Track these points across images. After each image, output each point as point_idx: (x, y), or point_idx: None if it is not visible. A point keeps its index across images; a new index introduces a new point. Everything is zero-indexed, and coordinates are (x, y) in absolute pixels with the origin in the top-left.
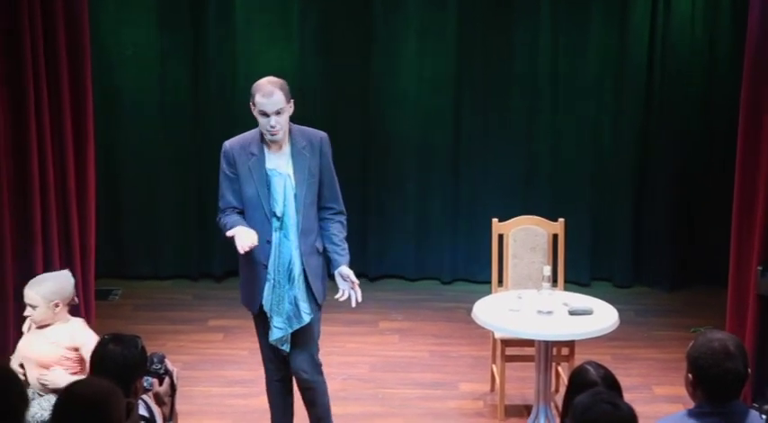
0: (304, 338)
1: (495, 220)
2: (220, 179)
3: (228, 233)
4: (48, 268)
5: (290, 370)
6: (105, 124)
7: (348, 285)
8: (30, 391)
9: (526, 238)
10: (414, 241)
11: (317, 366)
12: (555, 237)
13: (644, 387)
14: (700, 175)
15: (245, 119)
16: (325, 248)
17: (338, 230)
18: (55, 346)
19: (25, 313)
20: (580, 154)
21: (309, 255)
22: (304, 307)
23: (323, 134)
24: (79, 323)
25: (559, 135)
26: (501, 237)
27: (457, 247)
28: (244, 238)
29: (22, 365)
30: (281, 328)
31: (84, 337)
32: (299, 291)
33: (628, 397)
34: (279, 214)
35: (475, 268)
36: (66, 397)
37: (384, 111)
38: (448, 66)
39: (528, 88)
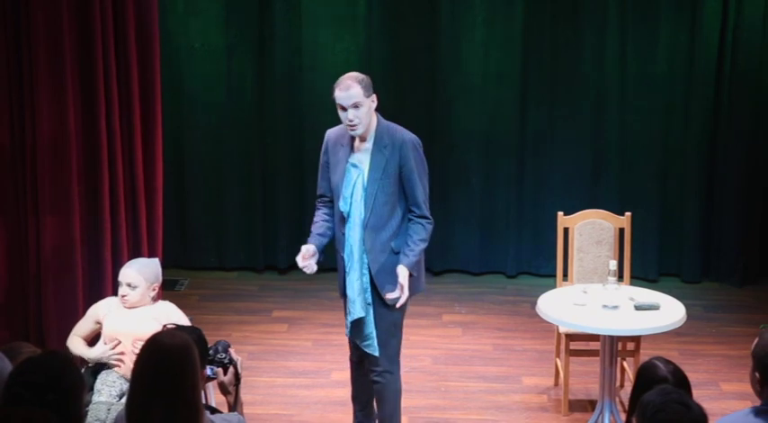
0: (378, 335)
1: (560, 214)
2: (319, 165)
3: (300, 262)
4: (116, 258)
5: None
6: (173, 117)
7: (398, 287)
8: (116, 379)
9: (592, 232)
10: (478, 235)
11: (388, 365)
12: (621, 231)
13: (711, 383)
14: None
15: (310, 111)
16: None
17: (414, 231)
18: (156, 322)
19: (121, 292)
20: (648, 148)
21: (379, 252)
22: (354, 302)
23: (409, 137)
24: (172, 305)
25: (626, 128)
26: (566, 230)
27: (522, 241)
28: (300, 256)
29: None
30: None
31: (182, 318)
32: (351, 288)
33: (695, 393)
34: (343, 208)
35: (540, 262)
36: (150, 345)
37: (450, 103)
38: (514, 58)
39: (595, 81)
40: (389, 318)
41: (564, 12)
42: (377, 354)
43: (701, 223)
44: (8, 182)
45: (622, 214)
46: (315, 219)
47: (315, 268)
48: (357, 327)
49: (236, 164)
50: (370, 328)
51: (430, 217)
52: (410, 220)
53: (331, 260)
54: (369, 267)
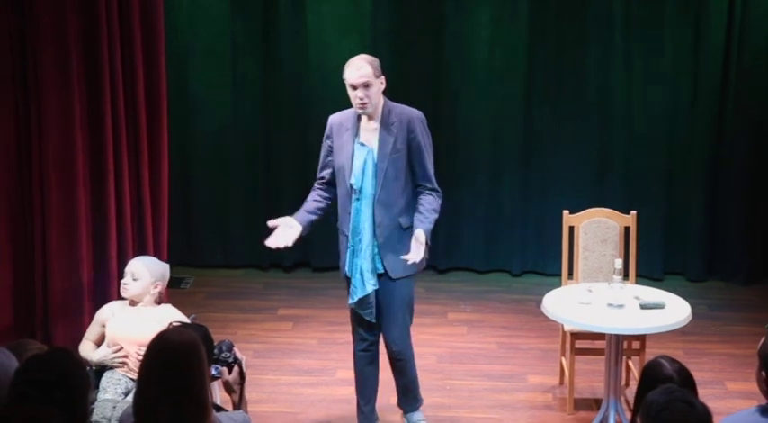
0: (390, 309)
1: (565, 213)
2: (321, 149)
3: (270, 223)
4: (122, 257)
5: (377, 340)
6: (178, 116)
7: (415, 246)
8: (121, 377)
9: (597, 231)
10: (483, 233)
11: (406, 337)
12: (626, 229)
13: (717, 382)
14: None
15: (316, 110)
16: (412, 224)
17: (426, 201)
18: (159, 325)
19: (123, 281)
20: (653, 146)
21: (387, 228)
22: (368, 277)
23: (416, 113)
24: (174, 308)
25: (632, 127)
26: (572, 229)
27: (527, 240)
28: (277, 235)
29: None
30: (351, 294)
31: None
32: (365, 262)
33: (700, 392)
34: (354, 186)
35: (545, 261)
36: (158, 342)
37: (455, 101)
38: (519, 56)
39: (600, 79)
40: (398, 291)
41: (569, 10)
42: (374, 320)
43: (707, 222)
44: (14, 182)
45: (628, 213)
46: (308, 198)
47: (288, 241)
48: (363, 297)
49: (241, 162)
50: (372, 298)
51: (440, 190)
52: (420, 193)
53: (336, 258)
54: (378, 241)
